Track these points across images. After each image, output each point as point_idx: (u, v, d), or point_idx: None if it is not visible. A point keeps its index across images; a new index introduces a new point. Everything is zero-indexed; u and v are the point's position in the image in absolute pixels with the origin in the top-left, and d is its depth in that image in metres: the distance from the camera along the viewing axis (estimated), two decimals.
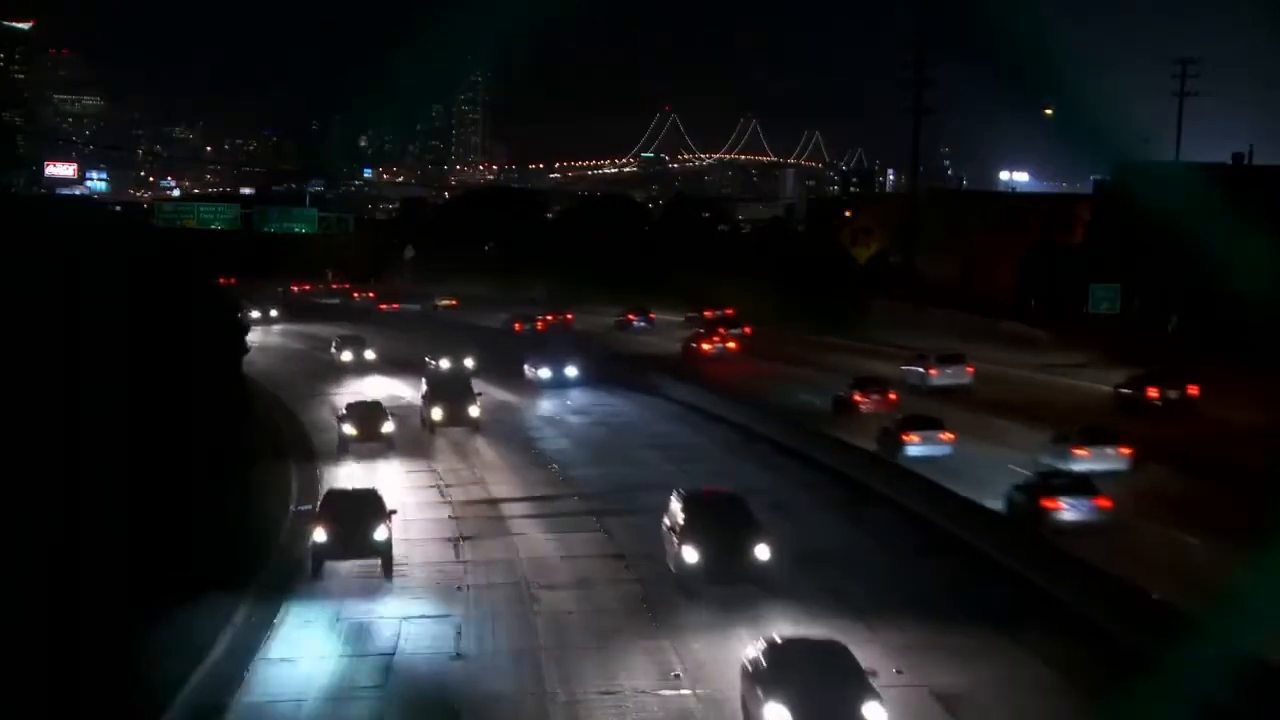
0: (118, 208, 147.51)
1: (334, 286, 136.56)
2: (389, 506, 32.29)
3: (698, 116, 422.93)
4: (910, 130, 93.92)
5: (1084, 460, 39.01)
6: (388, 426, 47.86)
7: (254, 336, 67.32)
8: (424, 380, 55.81)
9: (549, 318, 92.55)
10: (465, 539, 35.11)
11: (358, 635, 27.26)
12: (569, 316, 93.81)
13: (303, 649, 26.34)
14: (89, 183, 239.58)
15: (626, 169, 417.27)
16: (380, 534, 30.85)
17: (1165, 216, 54.04)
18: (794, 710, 19.87)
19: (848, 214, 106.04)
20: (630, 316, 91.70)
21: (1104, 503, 33.54)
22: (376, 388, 61.68)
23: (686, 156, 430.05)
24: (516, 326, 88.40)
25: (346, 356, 72.19)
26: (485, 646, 26.33)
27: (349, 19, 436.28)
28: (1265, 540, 23.93)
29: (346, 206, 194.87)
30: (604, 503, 38.84)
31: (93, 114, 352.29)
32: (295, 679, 24.77)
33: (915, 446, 42.54)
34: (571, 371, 62.99)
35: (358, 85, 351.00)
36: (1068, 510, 33.27)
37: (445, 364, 64.97)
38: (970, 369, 57.51)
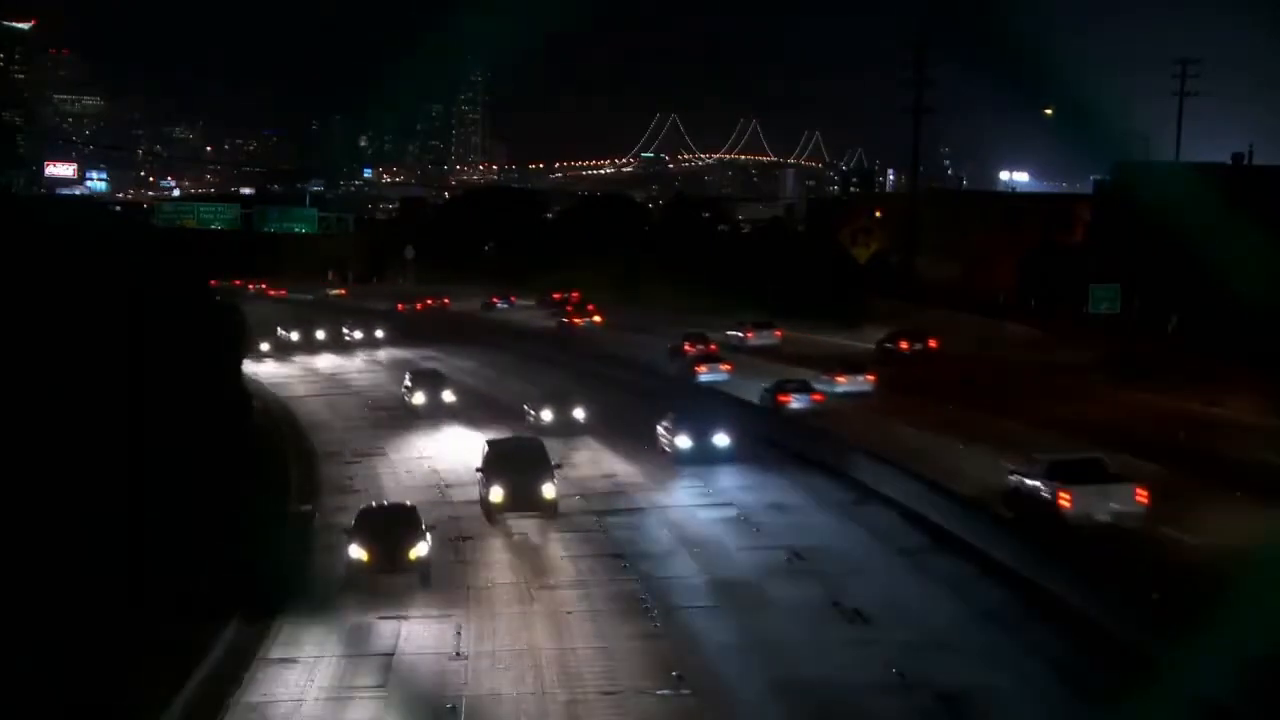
0: (118, 208, 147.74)
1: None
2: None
3: (698, 116, 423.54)
4: (910, 130, 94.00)
5: (843, 384, 55.93)
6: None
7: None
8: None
9: (428, 301, 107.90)
10: (465, 539, 35.13)
11: (358, 635, 27.27)
12: (445, 301, 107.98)
13: (303, 649, 26.34)
14: (89, 183, 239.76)
15: (626, 169, 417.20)
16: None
17: (1165, 216, 54.08)
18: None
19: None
20: (494, 299, 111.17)
21: (818, 398, 51.96)
22: None
23: (686, 156, 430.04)
24: (399, 307, 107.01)
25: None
26: (485, 646, 26.32)
27: (349, 19, 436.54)
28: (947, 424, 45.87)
29: (346, 206, 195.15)
30: (604, 503, 38.94)
31: (93, 114, 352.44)
32: (295, 679, 24.77)
33: (704, 375, 61.31)
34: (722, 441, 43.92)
35: (358, 85, 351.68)
36: (795, 402, 51.34)
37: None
38: (779, 333, 74.05)
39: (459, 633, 27.21)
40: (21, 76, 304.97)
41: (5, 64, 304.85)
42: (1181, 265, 58.61)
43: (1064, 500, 31.91)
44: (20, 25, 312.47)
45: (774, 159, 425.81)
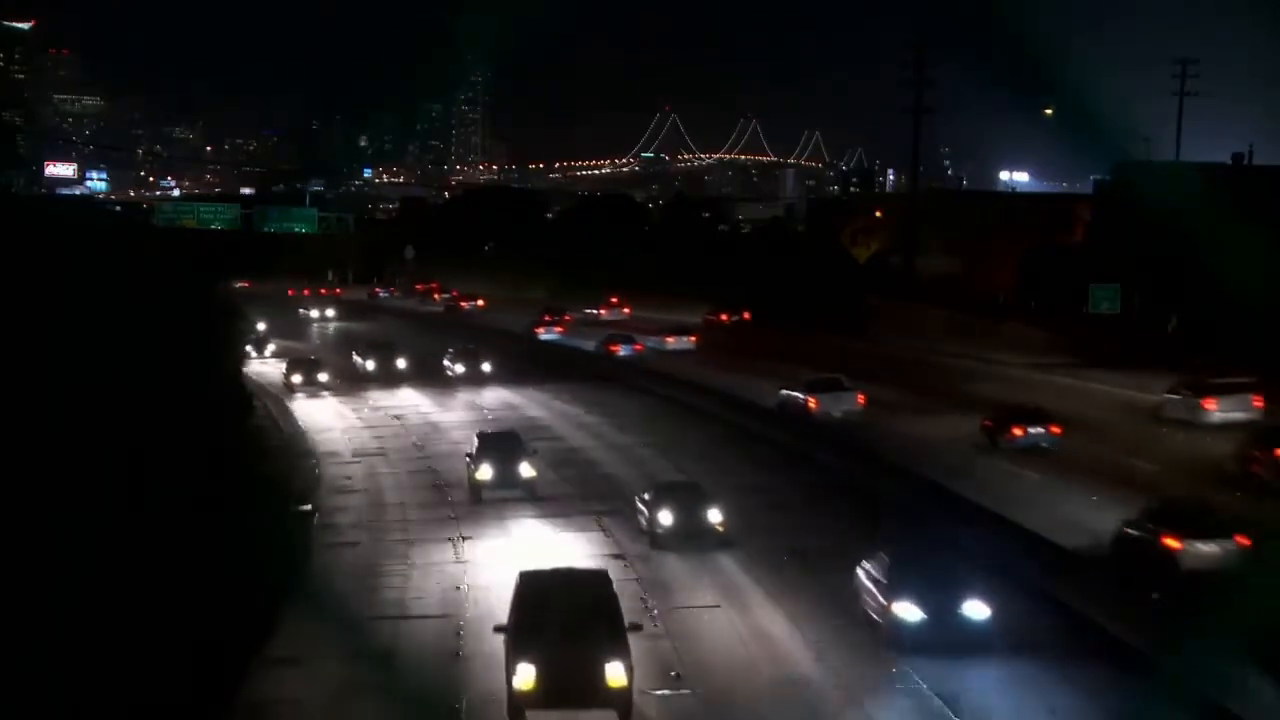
0: (118, 208, 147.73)
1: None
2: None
3: (698, 116, 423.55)
4: (910, 130, 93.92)
5: (671, 343, 75.59)
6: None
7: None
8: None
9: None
10: (465, 539, 35.14)
11: (358, 635, 27.25)
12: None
13: (303, 649, 26.34)
14: (89, 183, 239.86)
15: (626, 169, 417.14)
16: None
17: (1165, 216, 54.04)
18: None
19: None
20: (376, 290, 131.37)
21: (639, 347, 72.08)
22: None
23: (686, 156, 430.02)
24: (305, 291, 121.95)
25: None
26: (485, 646, 26.30)
27: (350, 19, 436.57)
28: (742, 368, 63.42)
29: (346, 206, 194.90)
30: (604, 503, 38.95)
31: (93, 114, 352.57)
32: (295, 679, 24.77)
33: (542, 334, 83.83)
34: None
35: (358, 85, 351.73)
36: (621, 351, 71.50)
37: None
38: (693, 337, 79.94)
39: (459, 633, 27.22)
40: (21, 76, 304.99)
41: (5, 64, 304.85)
42: (1181, 265, 58.64)
43: (812, 403, 50.33)
44: (20, 25, 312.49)
45: (774, 159, 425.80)
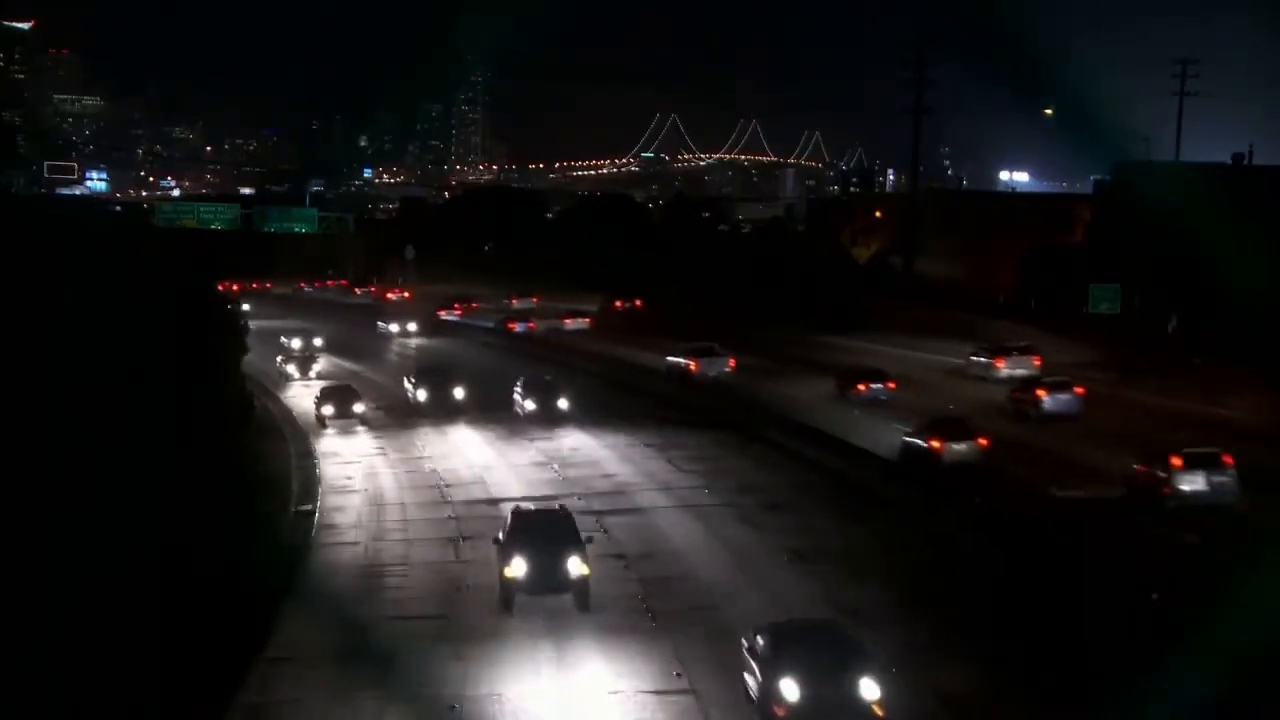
0: (118, 208, 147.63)
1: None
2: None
3: (698, 116, 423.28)
4: (910, 130, 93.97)
5: (569, 325, 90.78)
6: None
7: None
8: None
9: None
10: (465, 539, 35.13)
11: (358, 636, 27.24)
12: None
13: (303, 649, 26.33)
14: (89, 183, 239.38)
15: (626, 169, 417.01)
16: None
17: (1165, 216, 54.06)
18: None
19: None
20: (300, 284, 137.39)
21: (532, 325, 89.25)
22: None
23: (686, 156, 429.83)
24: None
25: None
26: (485, 647, 26.29)
27: (349, 19, 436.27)
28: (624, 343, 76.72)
29: (346, 206, 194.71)
30: (604, 503, 38.94)
31: (93, 114, 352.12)
32: (295, 679, 24.76)
33: (444, 315, 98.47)
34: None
35: (358, 85, 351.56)
36: (518, 328, 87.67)
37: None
38: (588, 320, 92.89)
39: (458, 633, 27.20)
40: (21, 76, 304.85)
41: (5, 64, 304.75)
42: (1181, 265, 58.64)
43: (693, 367, 61.59)
44: (20, 25, 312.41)
45: (774, 159, 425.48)
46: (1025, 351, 59.44)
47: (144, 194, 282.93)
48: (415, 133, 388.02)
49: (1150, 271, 67.36)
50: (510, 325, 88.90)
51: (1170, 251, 58.30)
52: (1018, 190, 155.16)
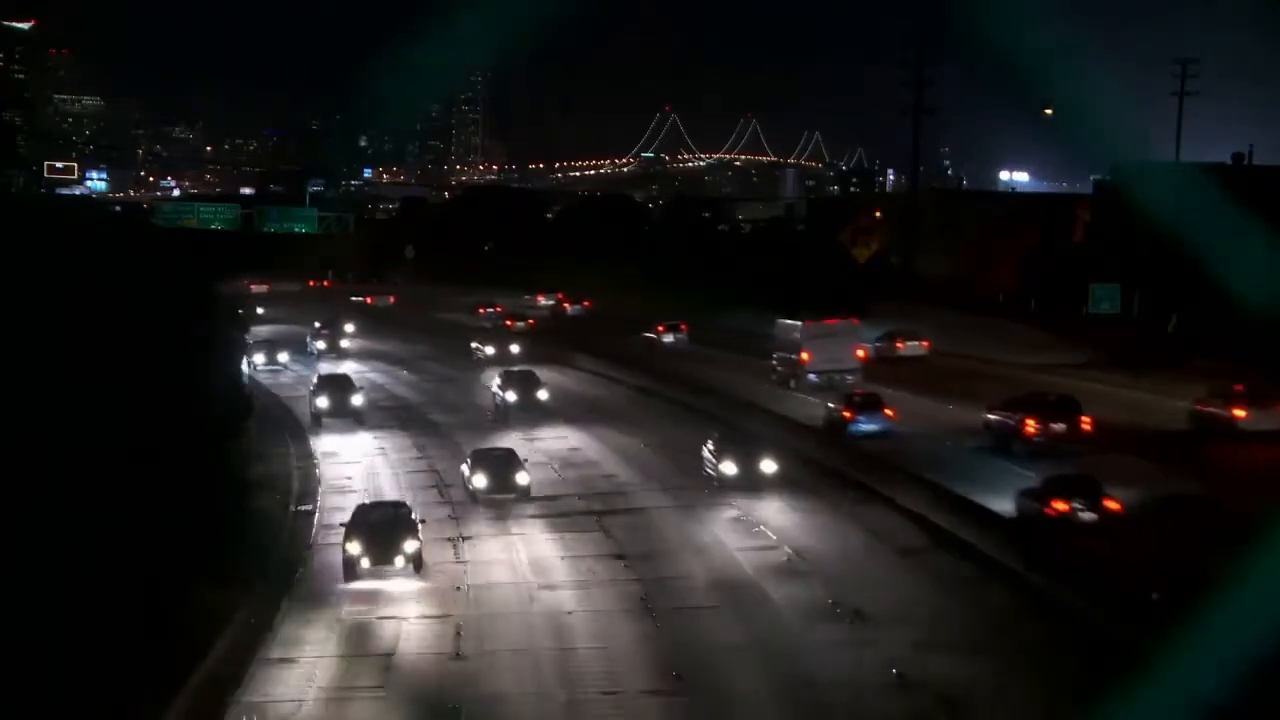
0: (118, 208, 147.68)
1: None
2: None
3: (698, 116, 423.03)
4: (910, 130, 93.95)
5: (538, 306, 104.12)
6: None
7: None
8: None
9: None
10: (465, 539, 35.13)
11: (358, 635, 27.27)
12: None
13: (303, 649, 26.33)
14: (89, 183, 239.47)
15: (626, 169, 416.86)
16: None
17: (1165, 216, 54.00)
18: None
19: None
20: (310, 283, 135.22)
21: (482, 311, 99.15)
22: None
23: (686, 156, 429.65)
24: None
25: None
26: (485, 646, 26.31)
27: (349, 18, 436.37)
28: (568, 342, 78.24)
29: (346, 206, 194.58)
30: (604, 503, 38.94)
31: (93, 114, 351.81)
32: (295, 679, 24.77)
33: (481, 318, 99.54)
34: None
35: (358, 85, 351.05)
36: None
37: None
38: (530, 322, 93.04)
39: (459, 633, 27.22)
40: (21, 76, 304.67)
41: (5, 64, 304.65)
42: (1182, 265, 58.56)
43: (657, 335, 77.28)
44: (20, 25, 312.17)
45: (774, 159, 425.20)
46: (916, 336, 67.40)
47: (144, 194, 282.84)
48: (415, 133, 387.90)
49: (1150, 271, 67.31)
50: (509, 323, 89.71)
51: (1171, 251, 58.22)
52: (1018, 190, 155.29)
